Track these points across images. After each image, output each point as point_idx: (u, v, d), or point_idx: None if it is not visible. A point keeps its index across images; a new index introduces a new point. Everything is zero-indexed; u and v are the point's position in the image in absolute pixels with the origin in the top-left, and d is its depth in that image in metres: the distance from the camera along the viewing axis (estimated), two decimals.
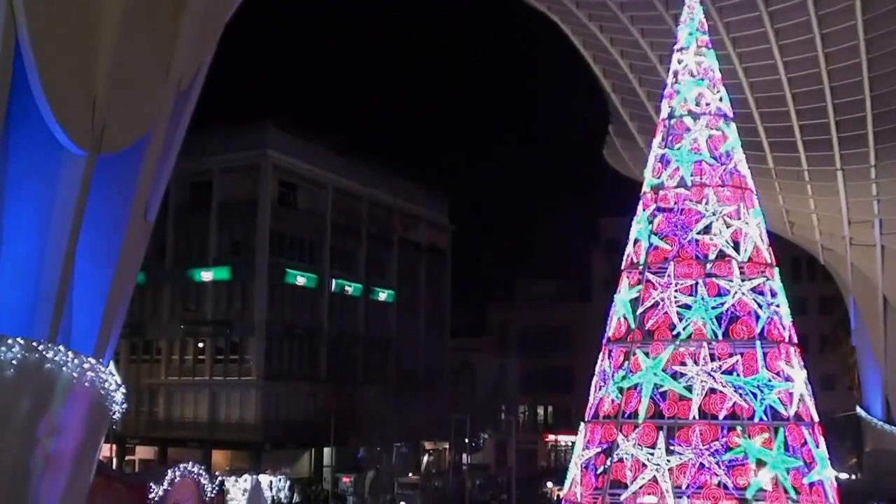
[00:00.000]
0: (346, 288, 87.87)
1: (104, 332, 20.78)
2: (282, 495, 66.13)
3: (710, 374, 28.26)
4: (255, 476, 55.92)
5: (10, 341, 18.29)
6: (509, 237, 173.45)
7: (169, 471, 33.47)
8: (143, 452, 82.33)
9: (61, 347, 19.17)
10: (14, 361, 18.20)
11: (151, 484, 32.03)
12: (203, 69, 23.60)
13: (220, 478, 55.72)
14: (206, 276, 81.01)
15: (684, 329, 29.00)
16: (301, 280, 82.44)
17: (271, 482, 66.09)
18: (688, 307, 29.17)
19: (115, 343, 21.96)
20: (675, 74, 31.83)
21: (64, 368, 19.10)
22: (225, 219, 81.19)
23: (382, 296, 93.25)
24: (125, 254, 21.16)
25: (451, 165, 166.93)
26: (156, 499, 31.71)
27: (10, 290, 19.15)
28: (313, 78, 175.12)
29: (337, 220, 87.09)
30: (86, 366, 19.72)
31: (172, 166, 23.74)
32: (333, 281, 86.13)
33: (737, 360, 28.62)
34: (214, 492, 36.69)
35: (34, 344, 18.62)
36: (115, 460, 76.60)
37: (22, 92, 18.66)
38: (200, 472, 34.58)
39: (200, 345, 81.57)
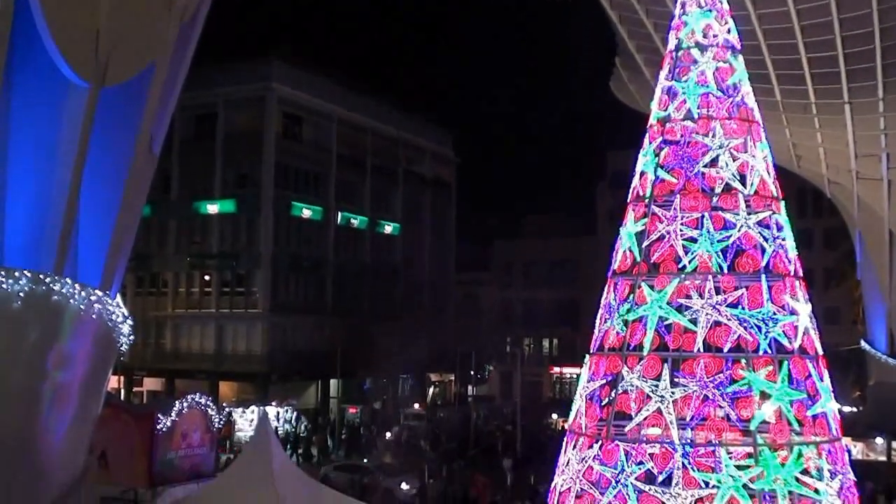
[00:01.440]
0: (352, 220, 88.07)
1: (110, 264, 20.80)
2: (301, 427, 66.73)
3: (715, 307, 28.27)
4: (262, 407, 56.41)
5: (16, 274, 18.32)
6: (514, 171, 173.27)
7: (176, 402, 33.67)
8: (151, 384, 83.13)
9: (68, 280, 19.21)
10: (21, 294, 18.24)
11: (159, 415, 32.24)
12: (207, 0, 23.42)
13: (227, 409, 56.26)
14: (212, 208, 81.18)
15: (690, 262, 28.94)
16: (307, 212, 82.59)
17: (278, 413, 66.71)
18: (693, 240, 29.09)
19: (121, 276, 22.00)
20: (683, 5, 31.46)
21: (71, 301, 19.15)
22: (230, 151, 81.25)
23: (388, 228, 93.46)
24: (131, 186, 21.14)
25: (456, 98, 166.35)
26: (163, 430, 31.92)
27: (16, 224, 19.17)
28: (318, 10, 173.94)
29: (342, 153, 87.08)
30: (93, 298, 19.76)
31: (177, 99, 23.65)
32: (339, 213, 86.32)
33: (742, 294, 28.59)
34: (222, 423, 36.97)
35: (41, 276, 18.66)
36: (122, 392, 77.34)
37: (25, 26, 18.56)
38: (208, 403, 34.78)
39: (206, 277, 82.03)
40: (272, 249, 79.29)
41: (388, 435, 64.82)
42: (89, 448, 21.56)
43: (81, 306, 19.37)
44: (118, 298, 21.22)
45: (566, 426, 32.61)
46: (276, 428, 59.06)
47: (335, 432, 68.05)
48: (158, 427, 31.84)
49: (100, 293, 20.07)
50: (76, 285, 19.32)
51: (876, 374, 60.86)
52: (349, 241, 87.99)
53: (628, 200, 31.30)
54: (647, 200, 30.23)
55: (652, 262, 29.96)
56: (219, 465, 36.57)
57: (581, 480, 29.00)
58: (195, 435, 33.65)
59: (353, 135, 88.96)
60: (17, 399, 18.75)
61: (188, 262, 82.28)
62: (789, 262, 29.66)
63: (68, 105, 19.64)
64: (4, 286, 18.12)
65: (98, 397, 21.42)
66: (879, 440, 51.63)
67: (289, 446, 61.09)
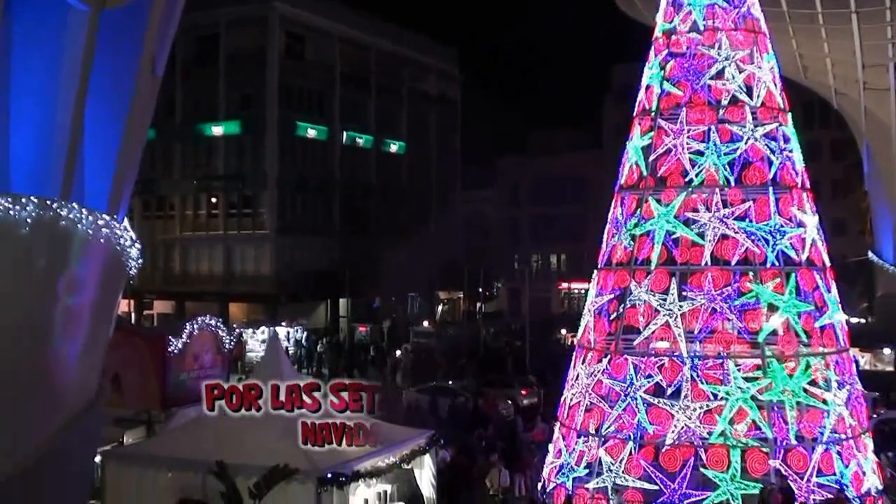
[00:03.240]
0: (357, 140, 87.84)
1: (117, 188, 20.79)
2: (321, 345, 67.13)
3: (722, 220, 28.26)
4: (272, 327, 56.64)
5: (23, 200, 18.30)
6: (520, 86, 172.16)
7: (187, 324, 33.86)
8: (161, 307, 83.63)
9: (75, 205, 19.19)
10: (28, 220, 18.24)
11: (170, 337, 32.46)
12: None
13: (237, 330, 56.58)
14: (217, 130, 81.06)
15: (697, 175, 28.88)
16: (312, 132, 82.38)
17: (288, 333, 67.09)
18: (700, 153, 28.99)
19: (128, 200, 21.99)
20: None
21: (79, 225, 19.14)
22: (233, 72, 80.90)
23: (393, 147, 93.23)
24: (135, 109, 21.05)
25: (460, 14, 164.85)
26: (175, 351, 32.15)
27: (21, 150, 19.13)
28: None
29: (346, 72, 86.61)
30: (100, 222, 19.75)
31: (178, 20, 23.45)
32: (344, 133, 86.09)
33: (749, 206, 28.57)
34: (233, 344, 37.19)
35: (48, 202, 18.65)
36: (133, 315, 77.85)
37: None
38: (218, 324, 34.99)
39: (213, 200, 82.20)
40: (278, 170, 79.22)
41: (398, 353, 65.25)
42: (102, 371, 21.73)
43: (89, 231, 19.39)
44: (125, 222, 21.24)
45: (575, 341, 32.81)
46: (287, 348, 59.38)
47: (348, 351, 68.50)
48: (170, 349, 32.08)
49: (107, 217, 20.08)
50: (83, 210, 19.32)
51: (883, 285, 60.96)
52: (355, 161, 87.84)
53: (634, 114, 31.16)
54: (653, 114, 30.09)
55: (659, 175, 29.90)
56: None
57: (590, 394, 29.23)
58: (206, 356, 33.92)
59: (357, 53, 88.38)
60: (28, 325, 18.86)
61: (194, 185, 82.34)
62: (796, 173, 29.58)
63: (69, 29, 19.48)
64: (12, 213, 18.12)
65: (109, 321, 21.54)
66: (887, 351, 51.83)
67: (304, 365, 61.68)
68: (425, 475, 26.49)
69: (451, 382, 50.63)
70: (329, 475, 21.88)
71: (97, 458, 24.21)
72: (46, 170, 19.25)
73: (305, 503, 21.51)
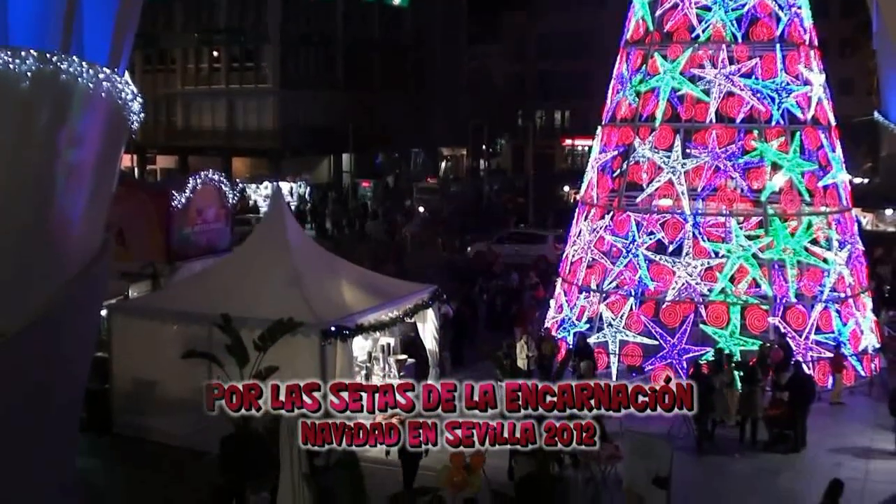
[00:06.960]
0: None
1: (117, 41, 20.54)
2: (328, 203, 67.37)
3: (728, 77, 28.06)
4: (275, 182, 56.75)
5: (23, 53, 18.10)
6: None
7: (190, 179, 33.84)
8: (164, 162, 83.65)
9: (75, 58, 18.99)
10: (28, 73, 18.06)
11: (174, 192, 32.47)
12: None
13: (240, 185, 56.65)
14: None
15: (703, 31, 28.59)
16: None
17: (291, 188, 67.22)
18: (707, 8, 28.65)
19: (128, 53, 21.73)
20: None
21: (79, 79, 18.95)
22: None
23: (397, 0, 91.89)
24: None
25: None
26: (178, 206, 32.20)
27: (19, 2, 18.88)
28: None
29: None
30: (101, 76, 19.56)
31: None
32: None
33: (756, 63, 28.35)
34: (236, 198, 37.24)
35: (48, 55, 18.46)
36: (136, 170, 77.87)
37: None
38: (221, 179, 34.96)
39: (215, 53, 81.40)
40: (280, 23, 78.32)
41: (408, 203, 65.63)
42: (106, 226, 21.79)
43: (90, 84, 19.21)
44: (126, 76, 21.05)
45: (578, 197, 32.89)
46: (290, 203, 59.51)
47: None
48: (174, 204, 32.11)
49: (108, 71, 19.89)
50: (83, 63, 19.11)
51: (888, 145, 60.66)
52: (358, 14, 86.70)
53: None
54: None
55: (665, 31, 29.60)
56: (234, 239, 37.02)
57: (592, 250, 29.43)
58: (210, 211, 34.00)
59: None
60: (32, 180, 18.85)
61: (196, 38, 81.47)
62: (804, 31, 29.24)
63: None
64: (12, 66, 17.96)
65: (112, 176, 21.51)
66: (889, 211, 51.94)
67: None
68: (428, 329, 26.83)
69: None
70: (333, 328, 22.15)
71: (103, 312, 24.47)
72: (46, 22, 19.01)
73: (310, 356, 21.83)
